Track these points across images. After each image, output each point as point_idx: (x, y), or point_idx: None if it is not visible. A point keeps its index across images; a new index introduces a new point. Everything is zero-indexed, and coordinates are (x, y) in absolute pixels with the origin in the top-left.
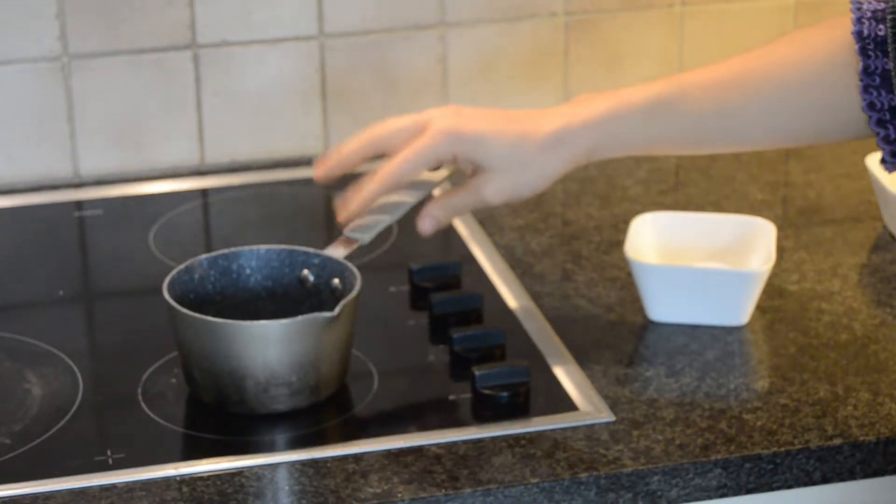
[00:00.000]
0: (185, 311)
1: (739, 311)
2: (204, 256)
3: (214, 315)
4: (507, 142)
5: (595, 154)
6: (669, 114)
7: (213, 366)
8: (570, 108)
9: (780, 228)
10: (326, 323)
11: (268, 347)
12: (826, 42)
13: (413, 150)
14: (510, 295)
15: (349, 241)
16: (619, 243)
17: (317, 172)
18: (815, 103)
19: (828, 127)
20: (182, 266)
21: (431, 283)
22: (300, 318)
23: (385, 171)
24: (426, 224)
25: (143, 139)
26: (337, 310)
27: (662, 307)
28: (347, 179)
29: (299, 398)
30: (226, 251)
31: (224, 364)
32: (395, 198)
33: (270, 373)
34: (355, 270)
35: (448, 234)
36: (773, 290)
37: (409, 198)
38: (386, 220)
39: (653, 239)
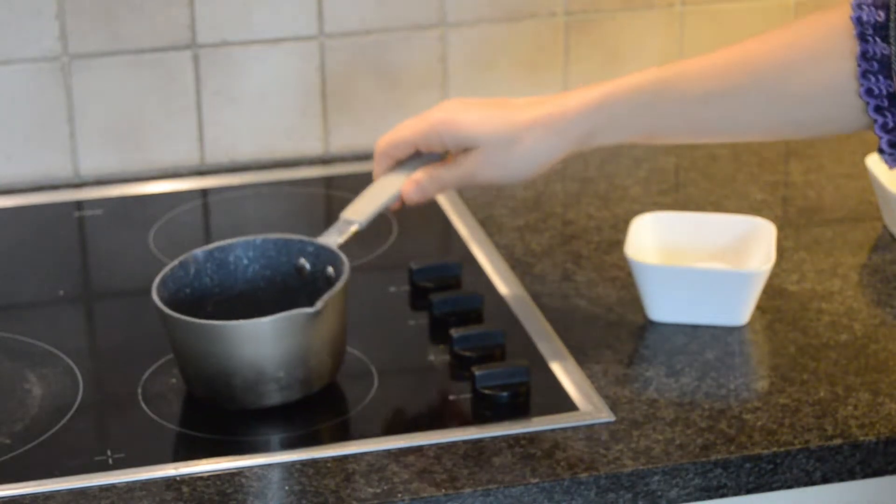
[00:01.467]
0: (170, 311)
1: (739, 311)
2: (199, 250)
3: (214, 307)
4: (496, 121)
5: (590, 140)
6: (667, 95)
7: (202, 364)
8: (566, 95)
9: (780, 228)
10: (309, 318)
11: (252, 346)
12: (825, 26)
13: (401, 127)
14: (510, 295)
15: (345, 225)
16: (619, 243)
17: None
18: (814, 88)
19: (826, 114)
20: (175, 262)
21: (431, 283)
22: (281, 315)
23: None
24: (412, 192)
25: (143, 139)
26: (318, 305)
27: (662, 307)
28: (348, 179)
29: (289, 392)
30: (221, 243)
31: (212, 363)
32: (389, 181)
33: (258, 370)
34: (345, 259)
35: (448, 234)
36: (773, 290)
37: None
38: (382, 202)
39: (653, 239)
